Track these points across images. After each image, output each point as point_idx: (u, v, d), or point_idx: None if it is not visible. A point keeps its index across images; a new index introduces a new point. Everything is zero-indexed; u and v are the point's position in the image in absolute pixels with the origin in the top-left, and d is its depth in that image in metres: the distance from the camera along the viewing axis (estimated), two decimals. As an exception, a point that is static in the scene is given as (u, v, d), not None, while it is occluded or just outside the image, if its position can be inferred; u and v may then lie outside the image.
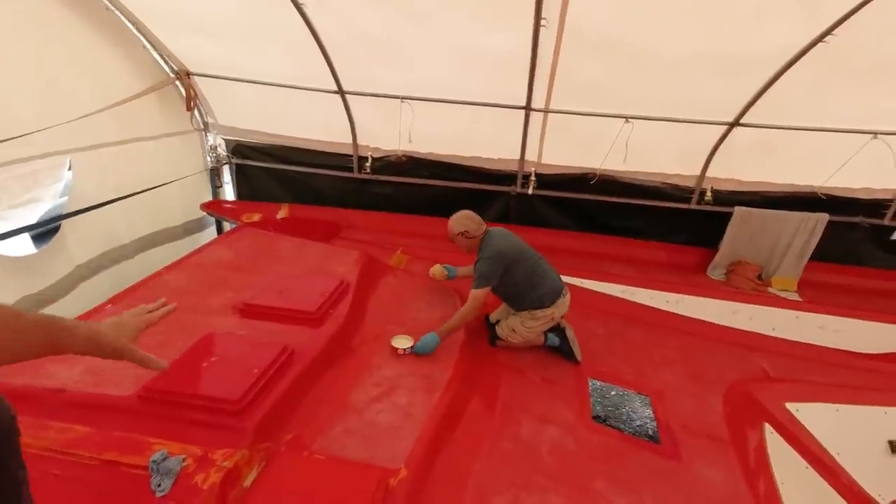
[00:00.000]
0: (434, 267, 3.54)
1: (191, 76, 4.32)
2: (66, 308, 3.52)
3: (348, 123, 4.45)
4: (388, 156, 4.63)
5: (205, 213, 4.72)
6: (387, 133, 4.41)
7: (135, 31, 3.95)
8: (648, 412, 2.98)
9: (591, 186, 4.44)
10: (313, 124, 4.60)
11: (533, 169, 4.48)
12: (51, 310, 3.49)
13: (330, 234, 4.48)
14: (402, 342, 2.85)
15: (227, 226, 4.85)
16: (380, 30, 3.49)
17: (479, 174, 4.61)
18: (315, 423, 2.25)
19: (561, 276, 3.25)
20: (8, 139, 3.02)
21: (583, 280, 4.16)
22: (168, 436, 1.98)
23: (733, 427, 2.87)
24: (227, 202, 4.96)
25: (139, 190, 4.12)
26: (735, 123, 3.74)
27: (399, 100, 4.06)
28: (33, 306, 3.41)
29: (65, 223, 3.69)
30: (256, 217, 4.54)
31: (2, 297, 3.16)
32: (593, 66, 3.43)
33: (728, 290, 4.20)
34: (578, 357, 3.21)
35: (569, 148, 4.28)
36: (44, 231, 3.83)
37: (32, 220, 3.64)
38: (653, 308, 3.98)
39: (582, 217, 4.71)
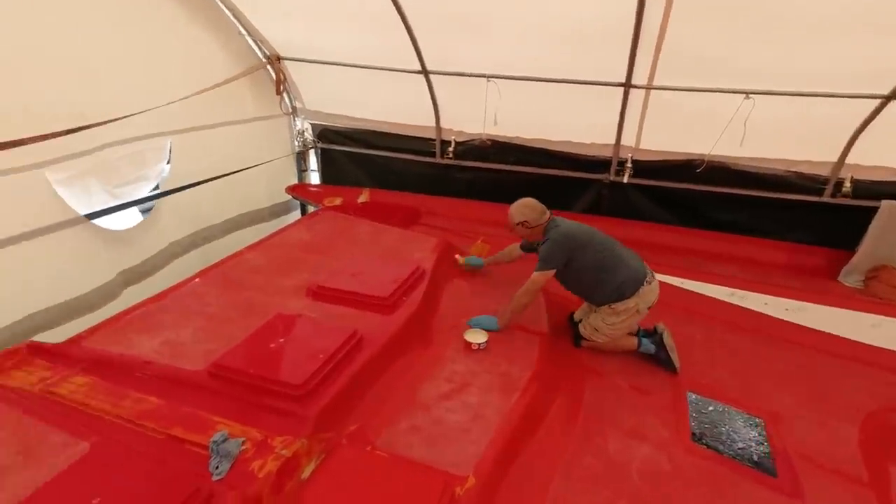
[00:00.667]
0: (459, 257, 3.45)
1: (281, 60, 4.38)
2: (160, 282, 3.70)
3: (432, 106, 4.30)
4: (472, 140, 4.42)
5: (290, 197, 4.80)
6: (471, 116, 4.20)
7: (231, 17, 4.06)
8: (753, 434, 2.53)
9: (697, 175, 3.93)
10: (397, 107, 4.50)
11: (629, 155, 4.05)
12: (147, 283, 3.68)
13: (409, 219, 4.37)
14: (477, 337, 2.64)
15: (310, 209, 4.92)
16: (465, 1, 3.27)
17: (568, 160, 4.27)
18: (380, 417, 2.11)
19: (645, 263, 2.88)
20: (112, 120, 3.18)
21: (683, 280, 3.70)
22: (232, 415, 1.93)
23: (873, 465, 2.35)
24: (311, 186, 5.03)
25: (228, 172, 4.25)
26: (891, 96, 3.09)
27: (485, 79, 3.83)
28: (133, 279, 3.62)
29: (159, 202, 3.88)
30: (338, 201, 4.54)
31: (103, 269, 3.36)
32: (710, 32, 2.97)
33: (867, 299, 3.52)
34: (677, 365, 2.81)
35: (672, 130, 3.81)
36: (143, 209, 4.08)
37: (140, 197, 3.86)
38: (767, 316, 3.44)
39: (684, 209, 4.20)
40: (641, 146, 3.99)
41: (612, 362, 2.89)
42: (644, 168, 4.08)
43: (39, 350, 2.31)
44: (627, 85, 3.55)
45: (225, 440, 1.77)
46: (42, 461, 1.70)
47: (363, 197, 4.64)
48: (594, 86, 3.63)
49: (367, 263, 3.10)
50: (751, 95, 3.25)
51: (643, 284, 2.76)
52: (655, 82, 3.46)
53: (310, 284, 2.87)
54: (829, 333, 3.27)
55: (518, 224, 2.92)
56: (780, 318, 3.40)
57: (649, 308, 2.84)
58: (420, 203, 4.53)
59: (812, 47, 2.91)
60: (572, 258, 2.74)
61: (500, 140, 4.35)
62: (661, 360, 2.86)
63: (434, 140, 4.54)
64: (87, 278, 3.23)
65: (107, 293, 3.35)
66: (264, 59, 4.36)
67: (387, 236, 3.72)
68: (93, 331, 2.45)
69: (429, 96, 4.22)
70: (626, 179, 4.11)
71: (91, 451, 1.72)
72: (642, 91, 3.59)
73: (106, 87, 3.23)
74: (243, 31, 4.12)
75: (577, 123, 4.06)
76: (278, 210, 4.95)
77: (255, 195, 4.68)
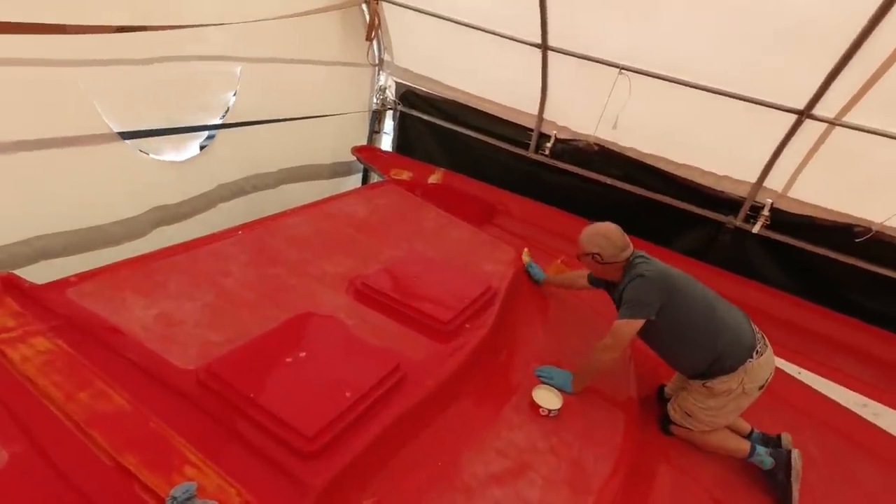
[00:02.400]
0: (527, 253, 2.96)
1: (380, 2, 3.78)
2: (196, 228, 3.23)
3: (539, 89, 3.60)
4: (576, 140, 3.70)
5: (354, 158, 4.24)
6: (584, 111, 3.49)
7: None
8: None
9: (853, 246, 3.08)
10: (497, 83, 3.84)
11: (770, 201, 3.24)
12: (181, 227, 3.23)
13: (482, 215, 3.73)
14: (549, 400, 2.01)
15: (374, 177, 4.36)
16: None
17: (687, 190, 3.49)
18: (404, 492, 1.52)
19: (756, 327, 2.15)
20: (176, 26, 2.69)
21: (801, 370, 2.93)
22: (211, 450, 1.39)
23: None
24: (380, 151, 4.45)
25: (296, 117, 3.73)
26: None
27: (617, 70, 3.10)
28: (168, 219, 3.17)
29: (217, 139, 3.41)
30: (406, 175, 3.94)
31: (134, 201, 2.91)
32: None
33: None
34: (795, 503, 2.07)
35: (841, 183, 2.98)
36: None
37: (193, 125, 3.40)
38: (911, 446, 2.63)
39: (819, 283, 3.34)
40: (791, 193, 3.17)
41: (708, 465, 2.20)
42: (784, 221, 3.26)
43: (14, 287, 1.86)
44: (804, 114, 2.75)
45: (189, 499, 1.23)
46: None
47: (435, 177, 4.03)
48: (758, 105, 2.84)
49: (429, 266, 2.49)
50: None
51: (752, 356, 2.02)
52: (851, 118, 2.63)
53: (354, 277, 2.30)
54: None
55: (587, 255, 2.22)
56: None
57: (762, 389, 2.09)
58: (498, 199, 3.87)
59: None
60: (662, 310, 2.04)
61: (609, 147, 3.62)
62: (775, 482, 2.13)
63: (531, 130, 3.85)
64: (112, 207, 2.79)
65: (132, 229, 2.91)
66: (362, -3, 3.78)
67: (456, 232, 3.10)
68: (84, 277, 1.97)
69: (539, 77, 3.53)
70: (756, 229, 3.30)
71: (3, 471, 1.22)
72: (820, 126, 2.78)
73: (176, -12, 2.73)
74: (346, -42, 3.55)
75: (714, 148, 3.28)
76: (339, 170, 4.42)
77: (317, 149, 4.16)
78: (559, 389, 2.10)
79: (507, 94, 3.85)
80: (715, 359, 2.04)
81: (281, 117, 3.66)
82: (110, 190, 2.74)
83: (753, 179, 3.22)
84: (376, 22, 3.86)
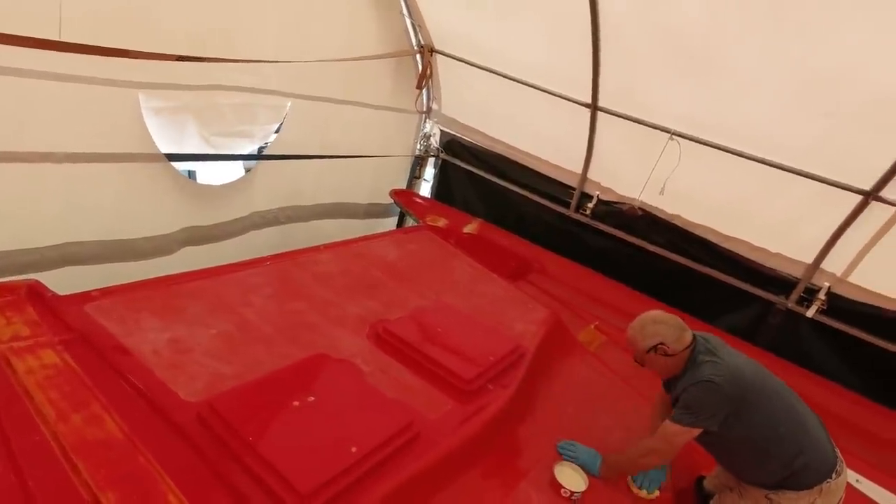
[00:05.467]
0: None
1: (433, 53, 3.87)
2: (226, 251, 3.23)
3: (585, 148, 3.54)
4: (619, 202, 3.59)
5: (392, 201, 4.23)
6: (630, 173, 3.40)
7: (397, -7, 3.63)
8: None
9: (923, 340, 2.81)
10: (543, 138, 3.81)
11: (827, 284, 3.01)
12: (210, 248, 3.23)
13: (516, 271, 3.61)
14: (572, 481, 1.81)
15: (409, 221, 4.33)
16: (698, 25, 2.52)
17: (735, 265, 3.30)
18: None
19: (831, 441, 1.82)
20: (235, 60, 2.78)
21: (859, 478, 2.58)
22: (198, 496, 1.27)
23: None
24: (418, 196, 4.44)
25: (339, 155, 3.77)
26: None
27: (668, 135, 3.02)
28: (196, 239, 3.18)
29: (257, 168, 3.47)
30: (442, 222, 3.89)
31: (166, 219, 2.93)
32: None
33: None
34: None
35: (911, 273, 2.75)
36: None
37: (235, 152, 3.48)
38: None
39: (879, 378, 3.04)
40: (851, 279, 2.94)
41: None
42: (842, 308, 3.01)
43: (37, 295, 1.83)
44: (871, 195, 2.57)
45: (162, 552, 1.10)
46: None
47: (470, 227, 3.96)
48: (823, 184, 2.68)
49: (456, 319, 2.36)
50: None
51: (831, 477, 1.74)
52: (925, 204, 2.45)
53: (376, 321, 2.20)
54: None
55: (650, 350, 1.82)
56: None
57: None
58: (534, 255, 3.74)
59: None
60: (732, 415, 1.74)
61: (654, 213, 3.49)
62: None
63: (573, 189, 3.77)
64: (144, 223, 2.82)
65: (160, 246, 2.92)
66: (416, 48, 3.88)
67: (488, 287, 2.98)
68: (106, 292, 1.94)
69: (586, 136, 3.47)
70: (811, 314, 3.05)
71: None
72: (888, 209, 2.59)
73: (238, 23, 2.84)
74: (405, 11, 3.67)
75: (766, 224, 3.10)
76: (375, 211, 4.42)
77: (356, 188, 4.18)
78: (584, 467, 1.89)
79: (552, 150, 3.81)
80: (788, 475, 1.75)
81: (324, 154, 3.71)
82: (145, 206, 2.77)
83: (809, 260, 3.01)
84: (429, 72, 3.94)
